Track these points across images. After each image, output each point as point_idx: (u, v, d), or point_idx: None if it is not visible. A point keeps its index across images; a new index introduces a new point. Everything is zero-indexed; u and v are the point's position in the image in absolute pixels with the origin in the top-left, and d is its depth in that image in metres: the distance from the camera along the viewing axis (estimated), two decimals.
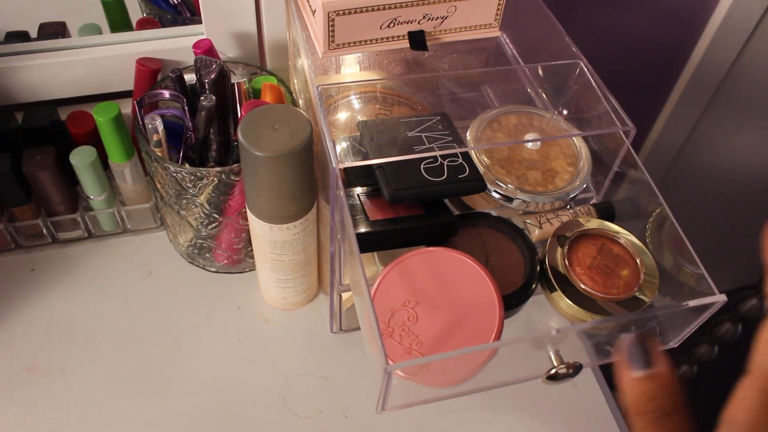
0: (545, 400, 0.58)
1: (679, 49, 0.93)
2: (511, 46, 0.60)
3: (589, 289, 0.44)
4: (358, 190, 0.50)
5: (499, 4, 0.53)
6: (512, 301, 0.45)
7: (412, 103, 0.59)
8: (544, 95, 0.60)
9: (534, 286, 0.46)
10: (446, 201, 0.50)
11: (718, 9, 0.88)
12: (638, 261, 0.45)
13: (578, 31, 0.60)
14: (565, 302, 0.44)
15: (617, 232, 0.47)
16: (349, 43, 0.51)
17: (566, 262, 0.45)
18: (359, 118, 0.57)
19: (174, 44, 0.62)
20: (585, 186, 0.51)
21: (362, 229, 0.45)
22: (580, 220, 0.48)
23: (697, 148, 1.08)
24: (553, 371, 0.42)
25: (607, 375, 0.57)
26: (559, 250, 0.46)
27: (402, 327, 0.41)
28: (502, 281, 0.44)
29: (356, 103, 0.59)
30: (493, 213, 0.50)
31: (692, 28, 0.91)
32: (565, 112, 0.57)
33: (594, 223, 0.48)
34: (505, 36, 0.58)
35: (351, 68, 0.62)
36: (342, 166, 0.44)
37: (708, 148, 1.10)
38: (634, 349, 0.33)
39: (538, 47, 0.60)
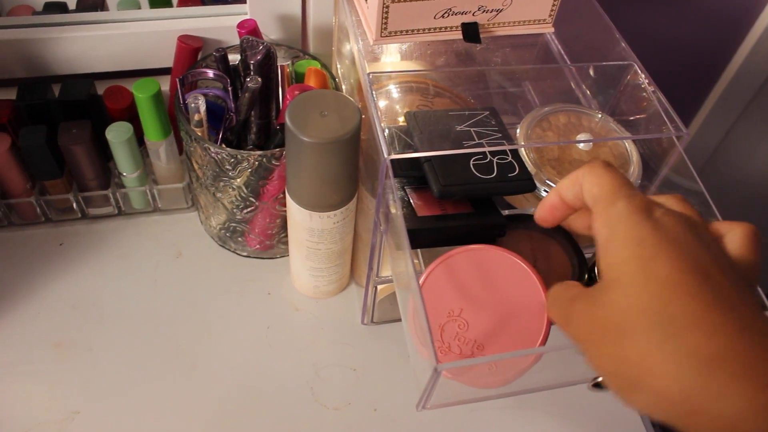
0: (575, 402, 0.57)
1: (720, 54, 0.92)
2: (557, 42, 0.58)
3: None
4: (404, 182, 0.49)
5: (555, 0, 0.51)
6: None
7: (455, 96, 0.58)
8: (589, 93, 0.58)
9: None
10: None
11: (763, 14, 0.86)
12: None
13: (619, 32, 0.59)
14: None
15: None
16: (401, 32, 0.50)
17: None
18: (398, 107, 0.56)
19: (215, 23, 0.61)
20: None
21: (409, 226, 0.44)
22: None
23: (730, 155, 1.07)
24: (600, 379, 0.41)
25: None
26: None
27: (456, 338, 0.40)
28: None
29: (395, 93, 0.58)
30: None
31: (735, 33, 0.90)
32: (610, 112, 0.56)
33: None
34: (551, 32, 0.57)
35: (391, 57, 0.61)
36: (393, 157, 0.43)
37: (740, 154, 1.09)
38: None
39: (585, 44, 0.59)
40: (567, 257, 0.46)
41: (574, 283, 0.38)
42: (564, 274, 0.45)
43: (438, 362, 0.36)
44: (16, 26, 0.60)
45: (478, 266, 0.43)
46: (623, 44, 0.54)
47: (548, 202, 0.39)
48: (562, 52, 0.58)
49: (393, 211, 0.45)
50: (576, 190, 0.37)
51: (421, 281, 0.42)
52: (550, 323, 0.41)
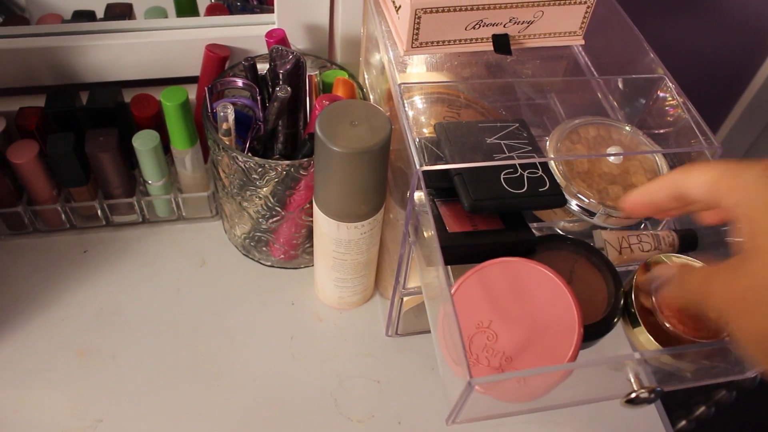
0: (601, 419, 0.56)
1: (746, 66, 0.91)
2: (584, 55, 0.58)
3: (679, 333, 0.42)
4: (433, 194, 0.48)
5: (586, 12, 0.51)
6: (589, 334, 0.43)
7: (482, 108, 0.58)
8: (616, 105, 0.58)
9: (615, 321, 0.44)
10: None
11: None
12: None
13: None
14: (649, 340, 0.43)
15: None
16: (432, 42, 0.50)
17: (655, 305, 0.43)
18: (423, 118, 0.56)
19: (243, 32, 0.61)
20: None
21: (441, 243, 0.44)
22: (663, 257, 0.46)
23: None
24: (633, 395, 0.40)
25: (665, 398, 0.55)
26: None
27: (485, 350, 0.40)
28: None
29: (420, 103, 0.58)
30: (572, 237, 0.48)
31: (761, 45, 0.89)
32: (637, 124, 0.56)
33: (680, 262, 0.46)
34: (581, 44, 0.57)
35: (417, 68, 0.61)
36: (425, 168, 0.43)
37: None
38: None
39: (613, 55, 0.58)
40: (604, 282, 0.45)
41: (699, 263, 0.39)
42: (600, 300, 0.45)
43: (472, 376, 0.36)
44: (45, 34, 0.60)
45: (511, 278, 0.42)
46: (652, 55, 0.54)
47: (639, 203, 0.40)
48: (590, 64, 0.58)
49: (425, 232, 0.45)
50: (669, 192, 0.37)
51: (452, 291, 0.41)
52: (581, 337, 0.41)
